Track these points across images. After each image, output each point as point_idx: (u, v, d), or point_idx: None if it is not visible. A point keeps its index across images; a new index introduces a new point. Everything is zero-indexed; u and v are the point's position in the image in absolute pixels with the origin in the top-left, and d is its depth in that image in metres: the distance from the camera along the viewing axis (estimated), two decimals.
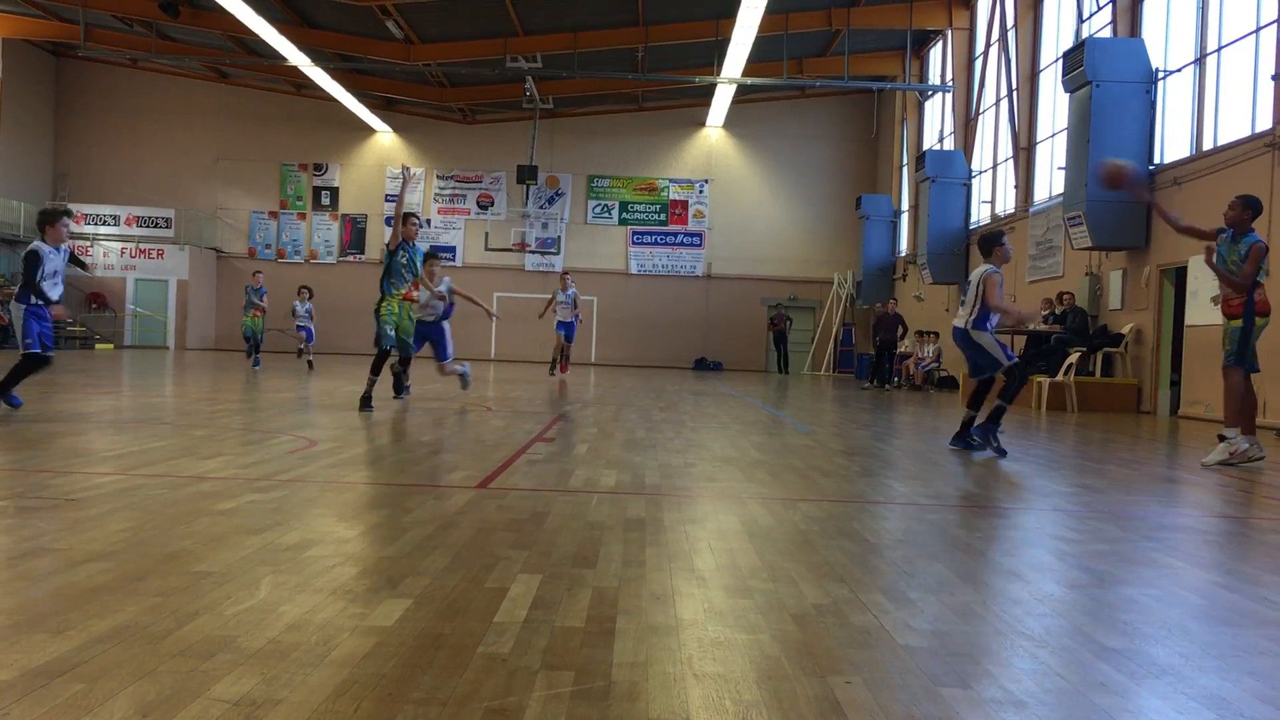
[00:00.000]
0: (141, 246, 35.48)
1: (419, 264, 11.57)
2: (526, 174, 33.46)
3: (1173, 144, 17.86)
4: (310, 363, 21.82)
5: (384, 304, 11.32)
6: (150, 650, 2.77)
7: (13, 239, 34.19)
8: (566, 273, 22.23)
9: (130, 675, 2.57)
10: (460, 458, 7.43)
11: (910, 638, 3.22)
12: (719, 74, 28.43)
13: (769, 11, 23.14)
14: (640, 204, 36.72)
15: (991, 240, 9.35)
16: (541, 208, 36.29)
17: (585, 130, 36.46)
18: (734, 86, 30.43)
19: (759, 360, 36.53)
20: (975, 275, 9.28)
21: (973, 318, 9.17)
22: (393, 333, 11.33)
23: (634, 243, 36.72)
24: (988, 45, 26.15)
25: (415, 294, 11.64)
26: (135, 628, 2.96)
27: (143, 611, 3.13)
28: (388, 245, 11.41)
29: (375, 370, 11.34)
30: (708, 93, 32.77)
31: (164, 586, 3.46)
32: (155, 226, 35.26)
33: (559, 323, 21.62)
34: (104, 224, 35.38)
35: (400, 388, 12.50)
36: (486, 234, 35.37)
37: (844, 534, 4.98)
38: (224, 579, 3.59)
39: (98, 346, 33.64)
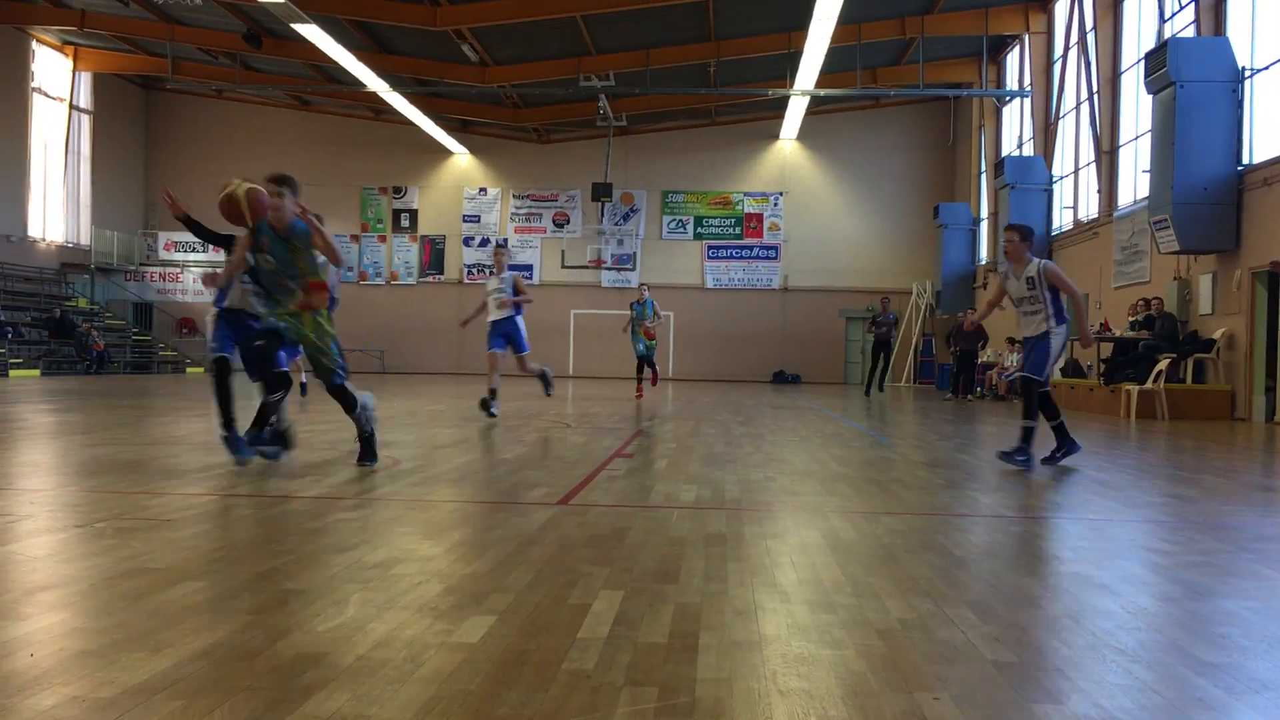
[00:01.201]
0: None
1: (292, 244, 7.33)
2: (601, 191, 33.69)
3: (1262, 143, 17.39)
4: (303, 385, 16.59)
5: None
6: (245, 667, 2.83)
7: (107, 267, 35.29)
8: (503, 244, 13.18)
9: (226, 692, 2.63)
10: (541, 474, 7.48)
11: (999, 652, 3.17)
12: (792, 86, 28.34)
13: (841, 22, 23.04)
14: (715, 218, 36.73)
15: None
16: (617, 224, 36.48)
17: (659, 146, 36.59)
18: (807, 98, 30.32)
19: (838, 373, 36.23)
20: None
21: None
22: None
23: (709, 257, 36.72)
24: (1066, 48, 25.72)
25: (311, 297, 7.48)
26: (230, 645, 3.03)
27: (237, 629, 3.20)
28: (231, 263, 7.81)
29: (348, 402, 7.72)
30: (781, 105, 32.70)
31: (256, 604, 3.53)
32: None
33: (493, 324, 13.22)
34: (193, 251, 36.33)
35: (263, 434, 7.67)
36: (563, 251, 35.68)
37: (928, 547, 4.92)
38: (314, 597, 3.66)
39: (189, 370, 34.54)
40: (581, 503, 6.15)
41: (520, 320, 13.25)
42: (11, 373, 27.22)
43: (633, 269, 36.01)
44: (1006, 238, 8.87)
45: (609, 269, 35.79)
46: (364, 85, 29.39)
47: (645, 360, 19.69)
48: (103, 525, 5.06)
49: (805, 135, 35.75)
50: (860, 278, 35.98)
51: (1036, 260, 8.71)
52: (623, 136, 35.78)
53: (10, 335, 28.54)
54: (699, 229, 36.78)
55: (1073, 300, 8.70)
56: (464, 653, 3.02)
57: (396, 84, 30.04)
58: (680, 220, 36.83)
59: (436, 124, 34.25)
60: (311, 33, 24.55)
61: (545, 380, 14.08)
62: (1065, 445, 8.90)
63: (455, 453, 9.07)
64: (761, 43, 28.28)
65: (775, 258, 36.52)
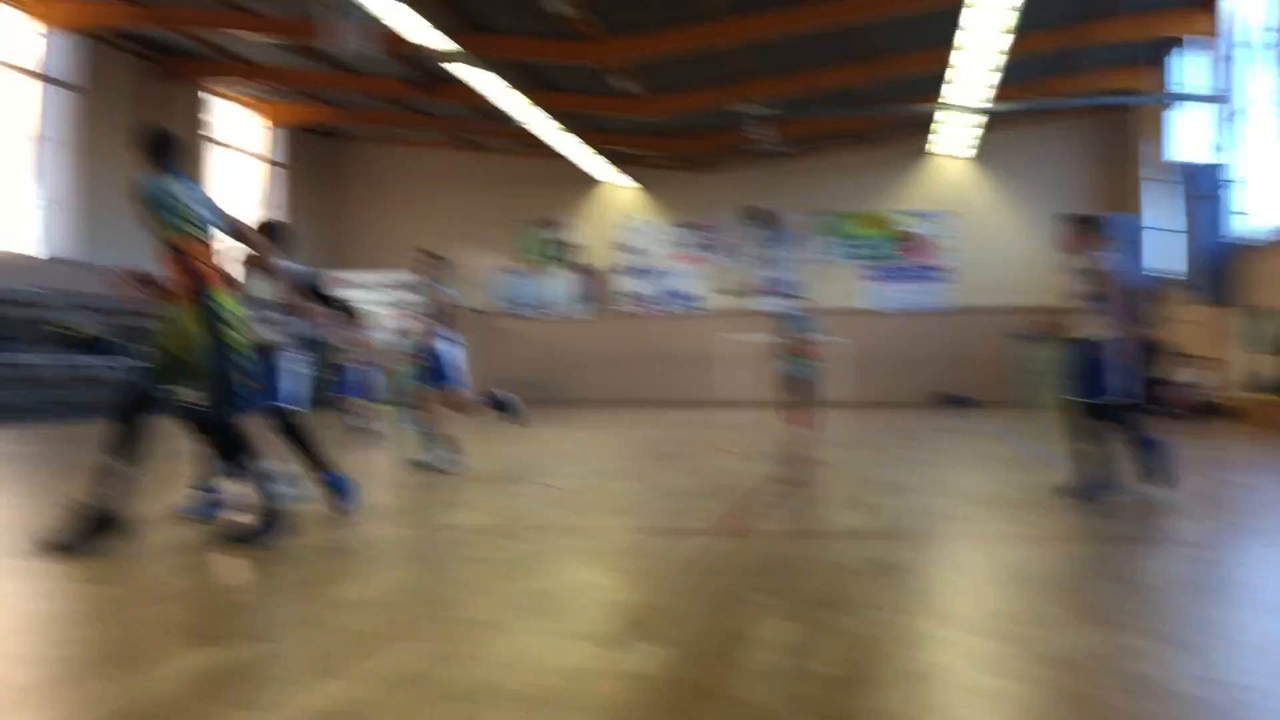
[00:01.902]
0: (402, 309, 37.76)
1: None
2: (757, 216, 33.71)
3: None
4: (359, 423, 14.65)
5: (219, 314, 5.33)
6: (422, 693, 2.92)
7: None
8: (432, 254, 10.52)
9: (404, 717, 2.71)
10: (703, 501, 7.48)
11: (1191, 686, 3.01)
12: (950, 102, 27.78)
13: (1002, 34, 22.47)
14: (873, 239, 36.22)
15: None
16: (774, 249, 36.36)
17: (814, 169, 36.34)
18: (967, 114, 29.67)
19: (1009, 395, 35.13)
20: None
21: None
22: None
23: (868, 278, 36.21)
24: (1246, 48, 24.45)
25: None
26: (408, 672, 3.13)
27: (414, 656, 3.30)
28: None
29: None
30: (940, 121, 32.07)
31: (432, 632, 3.63)
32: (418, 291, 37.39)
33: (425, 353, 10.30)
34: (372, 289, 37.86)
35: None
36: (721, 279, 35.76)
37: (1111, 575, 4.71)
38: (486, 625, 3.74)
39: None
40: (746, 529, 6.12)
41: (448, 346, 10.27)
42: None
43: (791, 293, 35.78)
44: (1063, 229, 7.80)
45: (767, 294, 35.67)
46: (526, 123, 30.14)
47: (798, 384, 17.07)
48: (287, 556, 5.28)
49: (967, 151, 34.92)
50: (1027, 295, 34.81)
51: (1102, 253, 7.64)
52: (779, 161, 35.67)
53: None
54: (856, 250, 36.34)
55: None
56: (633, 681, 3.04)
57: (556, 120, 30.71)
58: (837, 242, 36.46)
59: (594, 157, 34.85)
60: (476, 76, 25.34)
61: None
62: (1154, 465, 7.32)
63: (620, 481, 9.16)
64: (917, 60, 27.80)
65: (937, 277, 35.74)
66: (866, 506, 7.22)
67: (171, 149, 5.54)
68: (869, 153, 36.13)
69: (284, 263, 6.73)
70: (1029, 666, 3.21)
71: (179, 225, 5.29)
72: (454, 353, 10.28)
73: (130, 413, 5.20)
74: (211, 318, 5.27)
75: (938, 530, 6.22)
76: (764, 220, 33.87)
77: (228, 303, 5.35)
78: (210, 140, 33.06)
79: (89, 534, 5.05)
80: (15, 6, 24.05)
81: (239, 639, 3.63)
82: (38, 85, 25.35)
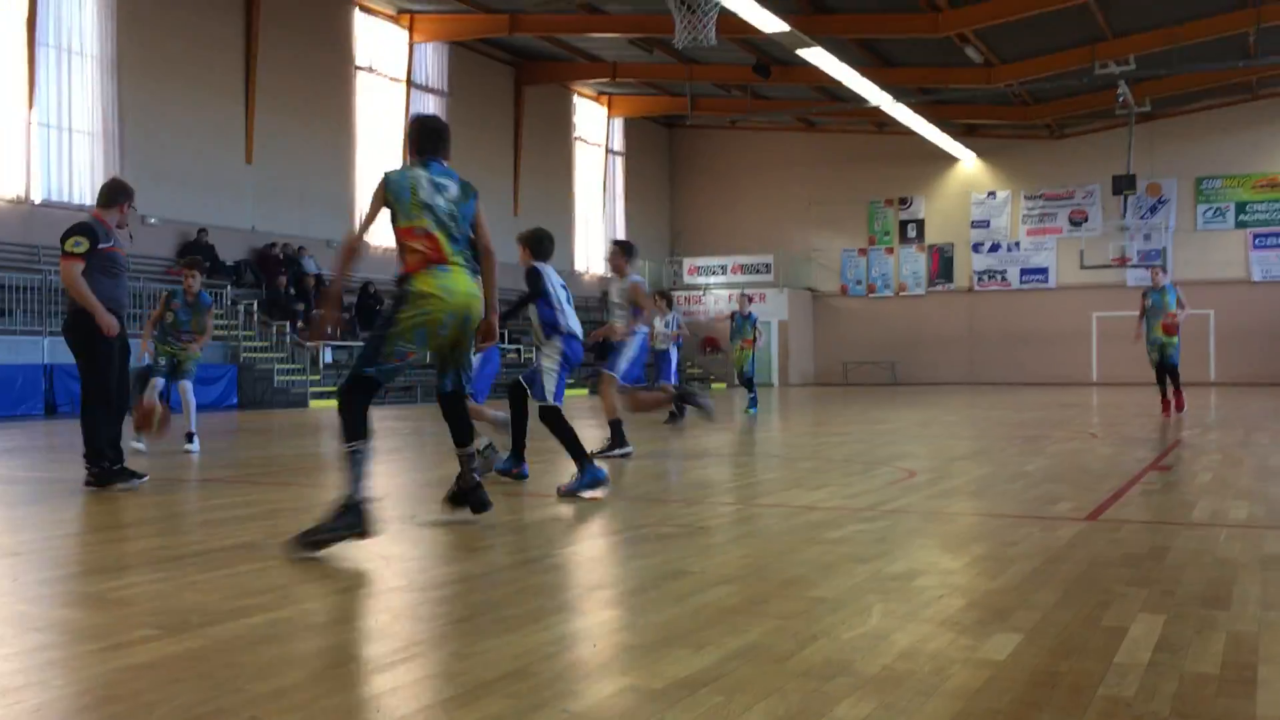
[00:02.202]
0: (746, 292, 38.38)
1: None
2: (1124, 184, 31.36)
3: None
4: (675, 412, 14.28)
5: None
6: (777, 669, 2.98)
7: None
8: (621, 245, 10.21)
9: (761, 691, 2.78)
10: (1066, 488, 7.12)
11: None
12: None
13: None
14: (1261, 203, 32.85)
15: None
16: (1143, 218, 33.77)
17: (1189, 129, 33.42)
18: None
19: None
20: None
21: None
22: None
23: (1256, 246, 32.90)
24: None
25: None
26: (762, 647, 3.20)
27: (767, 632, 3.38)
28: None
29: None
30: None
31: (784, 609, 3.70)
32: (757, 272, 37.94)
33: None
34: (714, 274, 38.69)
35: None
36: (1081, 252, 33.63)
37: None
38: (837, 605, 3.76)
39: (713, 386, 36.79)
40: (1113, 518, 5.77)
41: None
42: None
43: (1162, 265, 33.15)
44: None
45: (1135, 267, 33.18)
46: (867, 101, 29.71)
47: (1165, 368, 15.77)
48: (647, 530, 5.54)
49: None
50: None
51: None
52: (1146, 123, 33.08)
53: None
54: (1241, 216, 33.10)
55: None
56: (990, 669, 2.96)
57: (899, 95, 30.05)
58: (1218, 208, 33.37)
59: (941, 131, 33.80)
60: (816, 56, 25.26)
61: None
62: None
63: (972, 464, 8.88)
64: None
65: None
66: (1252, 495, 6.61)
67: (430, 139, 5.44)
68: (1253, 108, 32.77)
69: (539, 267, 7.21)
70: None
71: (409, 215, 5.14)
72: (639, 346, 9.75)
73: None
74: (401, 298, 5.11)
75: None
76: (1130, 187, 31.46)
77: (426, 285, 5.07)
78: (578, 139, 34.98)
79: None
80: (386, 21, 26.91)
81: (598, 607, 3.87)
82: (404, 90, 28.28)
